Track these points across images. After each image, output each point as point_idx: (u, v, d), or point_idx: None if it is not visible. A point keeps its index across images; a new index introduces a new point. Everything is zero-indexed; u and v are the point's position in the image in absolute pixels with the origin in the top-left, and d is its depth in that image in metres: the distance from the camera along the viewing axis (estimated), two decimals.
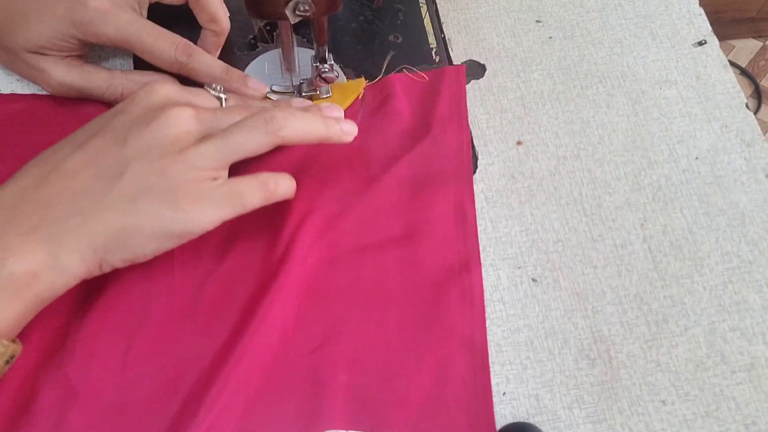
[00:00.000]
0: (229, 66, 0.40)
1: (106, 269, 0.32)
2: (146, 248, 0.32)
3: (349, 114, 0.42)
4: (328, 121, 0.36)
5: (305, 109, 0.37)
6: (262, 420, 0.33)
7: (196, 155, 0.32)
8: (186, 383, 0.33)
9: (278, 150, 0.38)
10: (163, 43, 0.38)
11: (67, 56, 0.39)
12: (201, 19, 0.40)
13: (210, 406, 0.31)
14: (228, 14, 0.41)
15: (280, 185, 0.35)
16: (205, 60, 0.39)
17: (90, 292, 0.35)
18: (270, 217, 0.37)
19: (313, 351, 0.35)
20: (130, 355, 0.34)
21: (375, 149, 0.41)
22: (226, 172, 0.33)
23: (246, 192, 0.33)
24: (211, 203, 0.32)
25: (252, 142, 0.33)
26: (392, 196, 0.39)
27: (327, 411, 0.33)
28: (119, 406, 0.32)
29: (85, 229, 0.30)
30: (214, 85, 0.37)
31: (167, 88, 0.34)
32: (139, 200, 0.31)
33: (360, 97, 0.43)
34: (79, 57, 0.40)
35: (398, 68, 0.44)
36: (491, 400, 0.34)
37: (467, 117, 0.43)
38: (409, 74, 0.44)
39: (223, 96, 0.37)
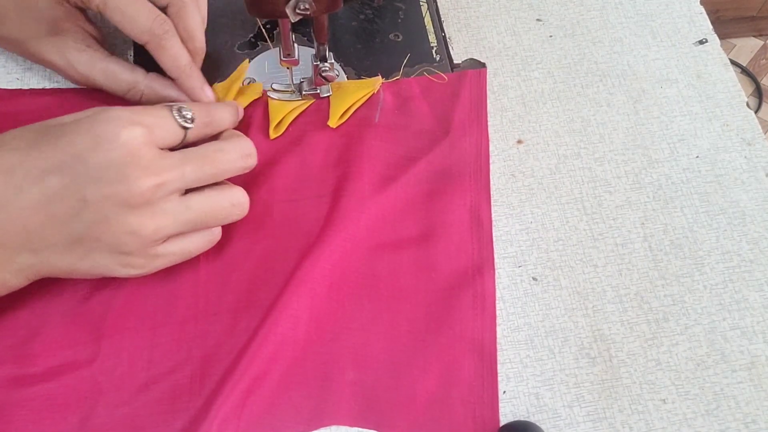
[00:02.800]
0: (194, 64, 0.39)
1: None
2: (83, 276, 0.33)
3: (365, 111, 0.42)
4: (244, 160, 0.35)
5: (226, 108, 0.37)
6: (269, 411, 0.33)
7: (154, 231, 0.32)
8: (210, 380, 0.33)
9: (304, 148, 0.40)
10: (142, 9, 0.36)
11: (87, 44, 0.39)
12: (178, 33, 0.38)
13: (224, 400, 0.32)
14: (204, 36, 0.39)
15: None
16: (177, 44, 0.38)
17: (114, 291, 0.36)
18: (292, 216, 0.38)
19: (324, 346, 0.35)
20: (155, 352, 0.34)
21: (394, 148, 0.41)
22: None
23: (196, 249, 0.35)
24: (161, 263, 0.34)
25: (217, 221, 0.35)
26: (410, 197, 0.39)
27: (333, 406, 0.34)
28: (144, 402, 0.33)
29: (35, 262, 0.31)
30: (183, 110, 0.33)
31: (130, 136, 0.30)
32: (93, 254, 0.32)
33: (376, 93, 0.42)
34: (99, 44, 0.40)
35: (419, 71, 0.44)
36: (497, 405, 0.34)
37: (487, 121, 0.43)
38: (429, 76, 0.44)
39: (189, 126, 0.33)
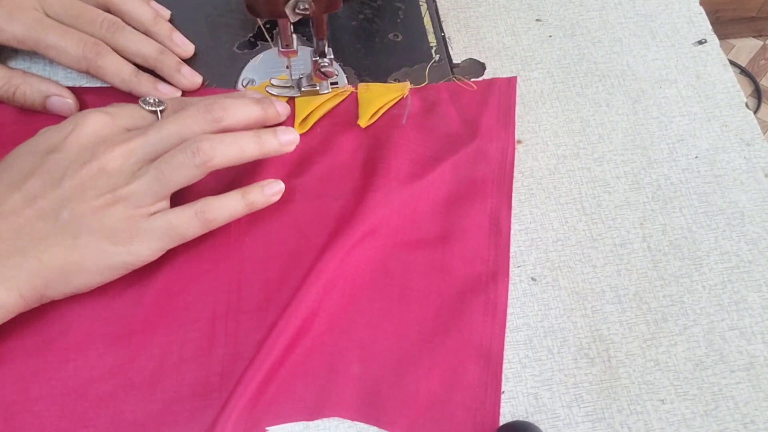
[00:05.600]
0: (138, 69, 0.40)
1: (45, 302, 0.33)
2: (88, 282, 0.33)
3: (393, 114, 0.42)
4: (263, 138, 0.36)
5: (257, 102, 0.37)
6: (276, 400, 0.34)
7: (129, 195, 0.33)
8: (236, 375, 0.34)
9: (332, 146, 0.40)
10: (70, 39, 0.38)
11: None
12: (129, 22, 0.40)
13: (242, 391, 0.33)
14: (148, 7, 0.41)
15: (220, 210, 0.35)
16: (113, 61, 0.39)
17: (143, 287, 0.36)
18: (318, 213, 0.38)
19: (333, 338, 0.35)
20: (186, 349, 0.35)
21: (420, 149, 0.41)
22: (166, 203, 0.34)
23: (180, 225, 0.34)
24: (150, 237, 0.33)
25: (182, 176, 0.33)
26: (431, 198, 0.40)
27: (336, 398, 0.34)
28: (175, 399, 0.33)
29: (26, 268, 0.31)
30: (148, 98, 0.36)
31: (96, 121, 0.34)
32: (81, 237, 0.32)
33: (404, 98, 0.43)
34: None
35: (447, 77, 0.44)
36: (498, 413, 0.34)
37: (514, 129, 0.43)
38: (458, 82, 0.44)
39: (159, 108, 0.36)
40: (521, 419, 0.34)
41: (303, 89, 0.42)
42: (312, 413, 0.34)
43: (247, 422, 0.33)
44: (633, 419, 0.35)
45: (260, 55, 0.44)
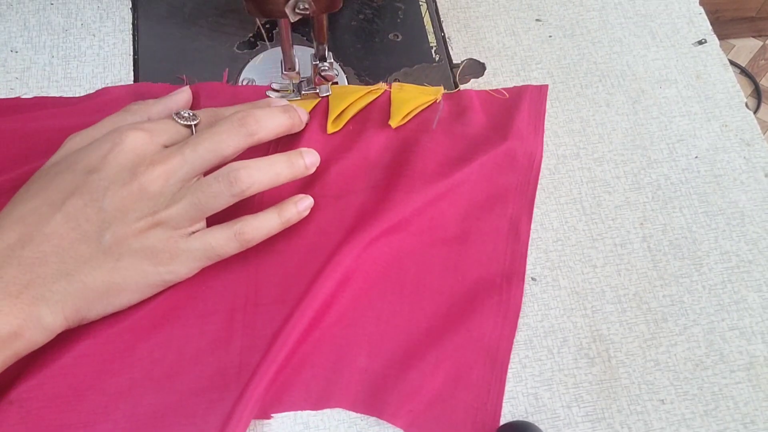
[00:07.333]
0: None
1: (84, 323, 0.34)
2: (127, 301, 0.34)
3: (423, 118, 0.42)
4: (293, 162, 0.36)
5: (284, 110, 0.37)
6: (284, 390, 0.34)
7: (168, 219, 0.33)
8: (251, 368, 0.34)
9: (361, 145, 0.40)
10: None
11: None
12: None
13: (257, 383, 0.33)
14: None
15: (258, 230, 0.35)
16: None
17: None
18: (341, 211, 0.39)
19: (342, 330, 0.35)
20: (203, 341, 0.35)
21: (448, 151, 0.41)
22: (203, 222, 0.35)
23: (218, 245, 0.34)
24: (189, 257, 0.34)
25: (218, 204, 0.34)
26: (453, 198, 0.40)
27: (341, 390, 0.34)
28: (193, 391, 0.33)
29: (71, 291, 0.32)
30: (182, 112, 0.36)
31: (134, 139, 0.33)
32: (123, 259, 0.32)
33: (437, 102, 0.43)
34: None
35: (472, 84, 0.44)
36: (499, 414, 0.34)
37: (543, 137, 0.43)
38: (490, 91, 0.44)
39: (193, 123, 0.36)
40: (521, 419, 0.34)
41: (303, 92, 0.42)
42: (316, 404, 0.34)
43: (254, 410, 0.33)
44: (633, 419, 0.35)
45: (260, 56, 0.44)
